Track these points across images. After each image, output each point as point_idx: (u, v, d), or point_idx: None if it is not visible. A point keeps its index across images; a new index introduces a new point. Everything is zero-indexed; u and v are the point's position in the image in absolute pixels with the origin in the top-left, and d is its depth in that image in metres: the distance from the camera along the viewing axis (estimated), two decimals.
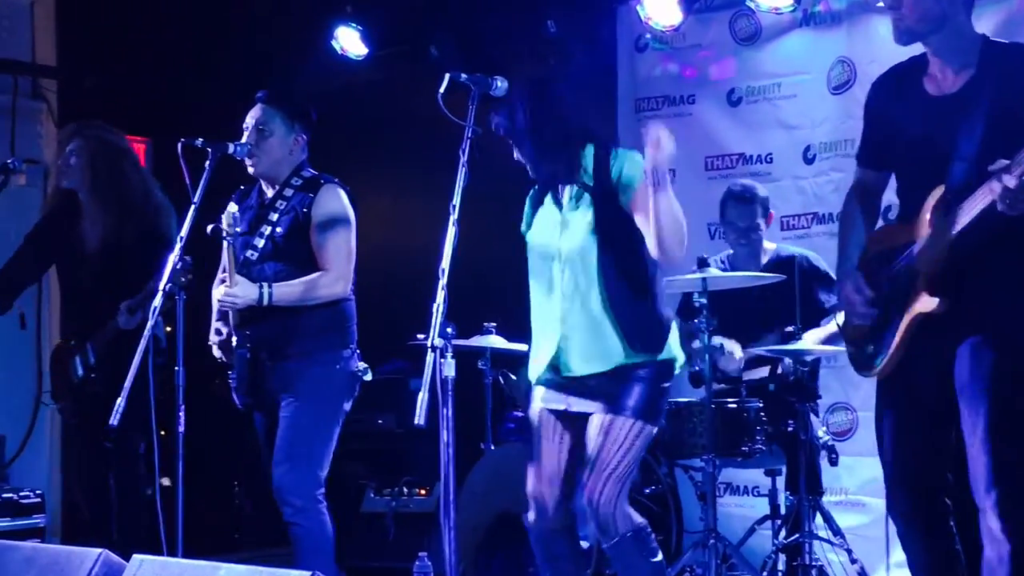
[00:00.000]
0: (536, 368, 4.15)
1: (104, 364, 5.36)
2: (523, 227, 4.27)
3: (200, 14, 7.55)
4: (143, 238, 5.32)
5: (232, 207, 4.77)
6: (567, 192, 4.10)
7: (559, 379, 4.10)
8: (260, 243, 4.79)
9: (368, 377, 4.86)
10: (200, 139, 4.48)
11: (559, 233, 4.08)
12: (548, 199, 4.18)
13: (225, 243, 4.59)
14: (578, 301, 4.03)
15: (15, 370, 7.52)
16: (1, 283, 5.62)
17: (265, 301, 4.65)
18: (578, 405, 4.10)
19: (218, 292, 4.69)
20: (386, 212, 7.37)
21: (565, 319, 4.05)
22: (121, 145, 5.58)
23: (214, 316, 4.85)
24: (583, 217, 4.04)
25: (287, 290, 4.69)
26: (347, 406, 4.82)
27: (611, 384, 4.03)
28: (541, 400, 4.18)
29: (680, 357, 4.16)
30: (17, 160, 5.52)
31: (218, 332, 4.81)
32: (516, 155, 4.14)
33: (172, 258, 4.36)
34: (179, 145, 4.40)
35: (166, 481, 5.11)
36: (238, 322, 4.73)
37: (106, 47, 7.78)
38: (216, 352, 4.84)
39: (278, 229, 4.77)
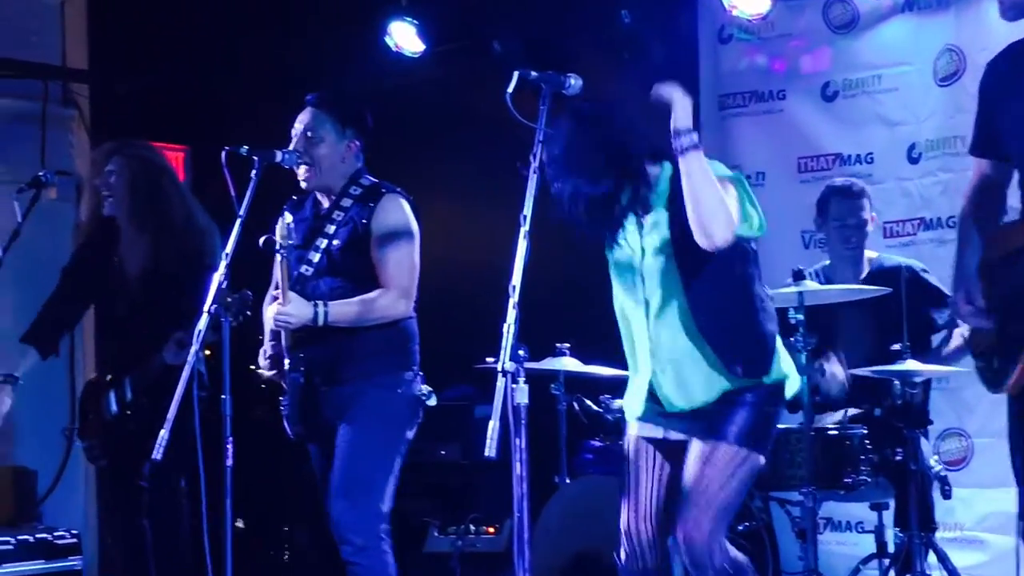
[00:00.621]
0: (633, 405, 4.12)
1: (141, 400, 5.35)
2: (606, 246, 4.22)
3: (242, 12, 7.57)
4: (185, 263, 5.32)
5: (287, 217, 4.77)
6: (649, 216, 4.04)
7: (659, 410, 4.06)
8: (315, 257, 4.77)
9: (432, 402, 4.81)
10: (245, 147, 4.45)
11: (640, 257, 4.03)
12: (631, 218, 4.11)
13: (278, 257, 4.59)
14: (667, 329, 3.98)
15: (47, 400, 7.56)
16: (44, 325, 5.65)
17: (320, 321, 4.63)
18: (677, 433, 4.06)
19: (270, 311, 4.68)
20: (448, 223, 7.31)
21: (656, 351, 4.01)
22: (162, 164, 5.61)
23: (265, 337, 4.83)
24: (659, 239, 3.98)
25: (344, 309, 4.67)
26: (410, 434, 4.78)
27: (714, 410, 3.98)
28: (636, 428, 4.14)
29: (793, 376, 4.11)
30: (48, 172, 5.53)
31: (266, 353, 4.80)
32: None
33: (216, 277, 4.33)
34: (223, 154, 4.37)
35: (240, 523, 5.10)
36: (291, 343, 4.70)
37: (141, 49, 7.84)
38: (266, 373, 4.82)
39: (335, 242, 4.75)
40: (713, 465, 3.94)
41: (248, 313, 4.41)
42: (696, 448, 3.98)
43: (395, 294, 4.71)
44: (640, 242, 4.03)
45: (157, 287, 5.36)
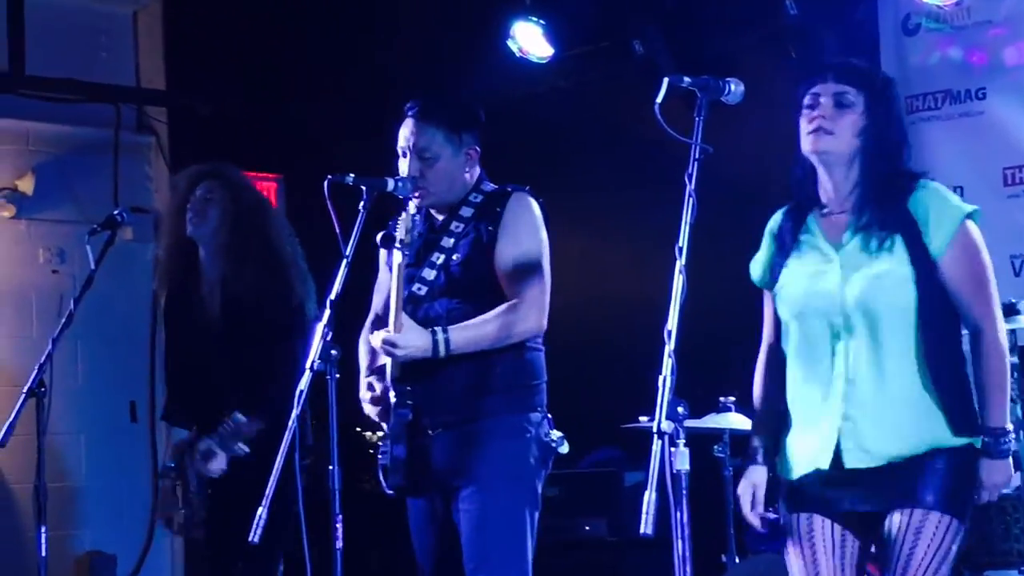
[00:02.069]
0: (802, 462, 4.07)
1: (235, 469, 5.45)
2: (759, 274, 4.21)
3: (340, 20, 7.70)
4: (281, 305, 5.45)
5: (411, 207, 4.69)
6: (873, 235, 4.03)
7: (839, 473, 4.02)
8: (431, 275, 4.74)
9: (564, 449, 4.75)
10: (350, 175, 4.48)
11: (841, 283, 4.00)
12: (810, 237, 4.09)
13: (395, 263, 4.51)
14: (878, 371, 3.94)
15: (126, 473, 7.74)
16: (175, 395, 5.84)
17: (442, 351, 4.58)
18: (868, 502, 4.00)
19: (376, 338, 4.60)
20: (585, 256, 7.33)
21: (851, 395, 3.95)
22: (262, 196, 5.74)
23: (363, 368, 4.84)
24: (896, 265, 3.95)
25: (469, 334, 4.62)
26: (540, 487, 4.75)
27: (912, 472, 3.92)
28: (810, 499, 4.09)
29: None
30: (124, 210, 5.68)
31: (371, 388, 4.77)
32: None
33: (320, 328, 4.36)
34: (325, 184, 4.42)
35: None
36: (397, 375, 4.68)
37: (226, 64, 8.00)
38: (369, 410, 4.79)
39: (455, 256, 4.72)
40: (926, 539, 3.88)
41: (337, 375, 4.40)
42: (899, 520, 3.91)
43: (527, 306, 4.65)
44: (836, 257, 4.01)
45: (242, 337, 5.48)
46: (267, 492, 4.18)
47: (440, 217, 4.83)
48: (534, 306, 4.66)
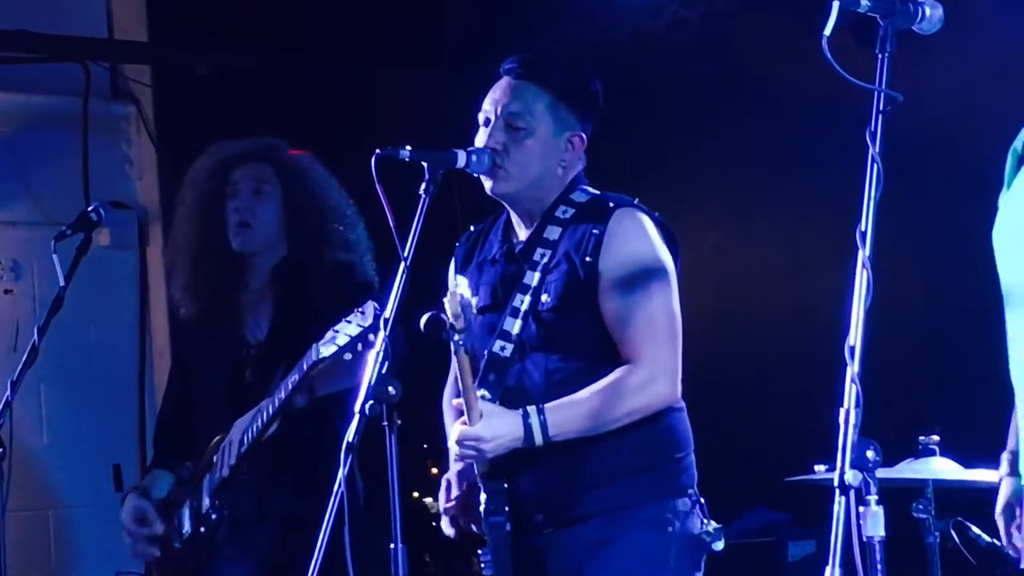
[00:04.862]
0: None
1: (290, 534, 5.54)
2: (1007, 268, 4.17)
3: None
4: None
5: (459, 283, 4.59)
6: None
7: None
8: (516, 326, 4.78)
9: (719, 545, 4.83)
10: (406, 148, 4.51)
11: None
12: None
13: (452, 346, 4.51)
14: None
15: (110, 561, 7.77)
16: (163, 439, 5.98)
17: (537, 438, 4.63)
18: None
19: (452, 440, 4.69)
20: (717, 254, 7.33)
21: None
22: (328, 182, 5.82)
23: (453, 464, 4.88)
24: None
25: (572, 413, 4.65)
26: None
27: None
28: None
29: None
30: (100, 206, 5.76)
31: (448, 490, 4.85)
32: None
33: (371, 359, 4.38)
34: (373, 160, 4.43)
35: None
36: (487, 469, 4.75)
37: (227, 9, 8.07)
38: (448, 530, 4.87)
39: (544, 298, 4.75)
40: None
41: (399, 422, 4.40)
42: None
43: (648, 370, 4.67)
44: None
45: (283, 353, 5.54)
46: (311, 569, 4.21)
47: (522, 235, 4.89)
48: (660, 369, 4.69)
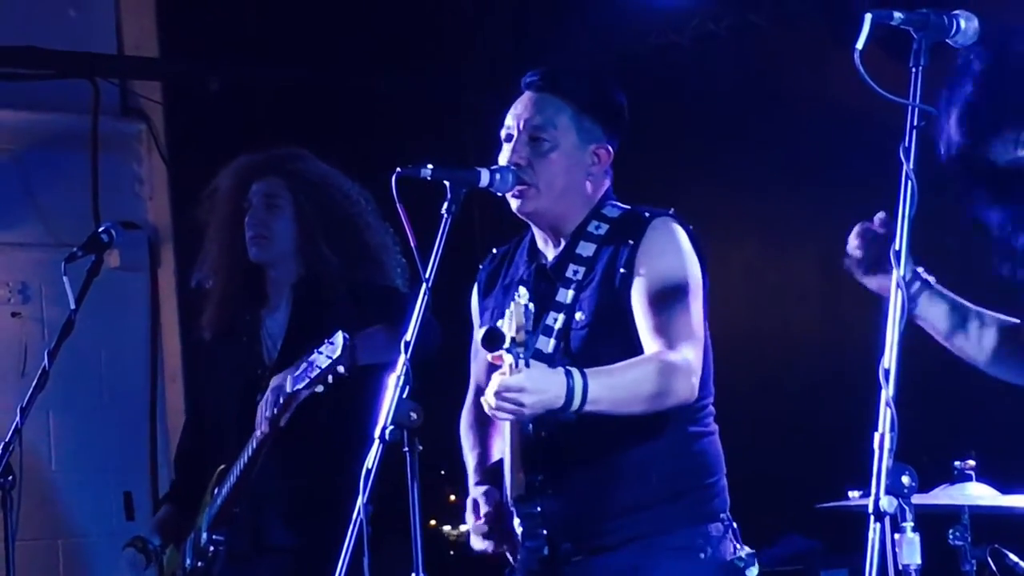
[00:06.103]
0: None
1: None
2: None
3: None
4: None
5: (521, 295, 4.51)
6: None
7: None
8: (548, 345, 4.75)
9: (754, 572, 4.77)
10: (427, 166, 4.47)
11: None
12: None
13: (512, 358, 4.43)
14: None
15: None
16: (180, 469, 6.00)
17: (576, 402, 4.51)
18: None
19: (490, 392, 4.53)
20: (746, 273, 7.35)
21: None
22: (349, 193, 5.80)
23: (470, 466, 4.90)
24: None
25: (610, 381, 4.57)
26: None
27: None
28: None
29: None
30: (111, 226, 5.74)
31: (476, 508, 4.81)
32: None
33: (392, 383, 4.36)
34: (393, 179, 4.41)
35: None
36: (521, 492, 4.70)
37: (240, 23, 8.06)
38: (480, 544, 4.82)
39: (578, 316, 4.73)
40: None
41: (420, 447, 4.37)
42: None
43: (674, 359, 4.64)
44: None
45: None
46: None
47: (550, 254, 4.86)
48: (690, 365, 4.65)
